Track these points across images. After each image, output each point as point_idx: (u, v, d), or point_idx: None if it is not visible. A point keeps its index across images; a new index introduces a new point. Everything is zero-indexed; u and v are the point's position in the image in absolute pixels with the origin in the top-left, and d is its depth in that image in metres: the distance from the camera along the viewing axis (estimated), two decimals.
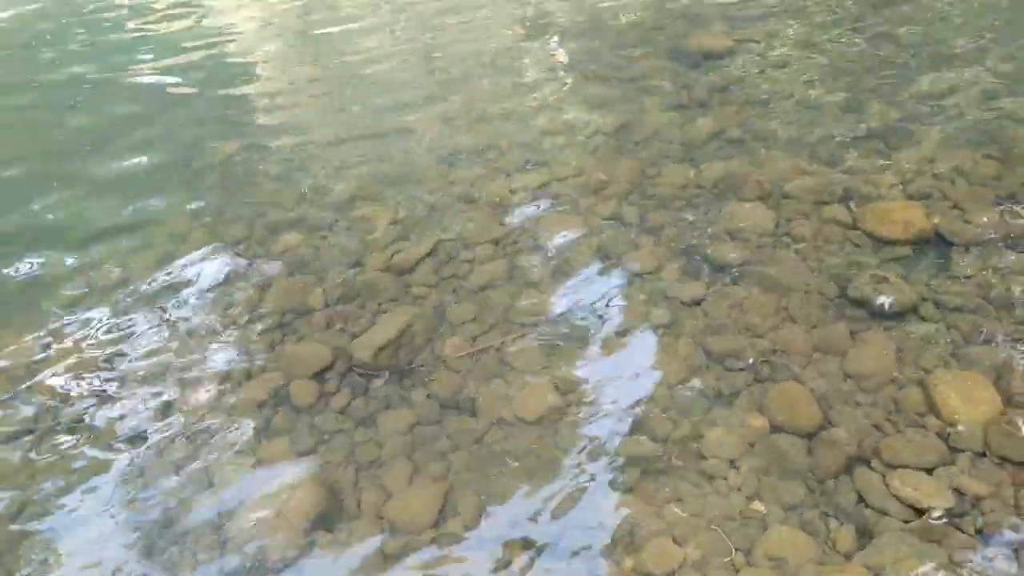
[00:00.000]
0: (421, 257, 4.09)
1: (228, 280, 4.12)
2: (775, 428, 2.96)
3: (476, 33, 6.32)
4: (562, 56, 5.74)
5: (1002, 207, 3.77)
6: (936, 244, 3.66)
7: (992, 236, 3.62)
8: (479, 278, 3.91)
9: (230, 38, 7.29)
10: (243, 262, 4.24)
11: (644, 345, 3.40)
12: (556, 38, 5.99)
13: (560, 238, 4.06)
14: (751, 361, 3.24)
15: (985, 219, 3.70)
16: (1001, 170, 3.99)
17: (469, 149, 4.88)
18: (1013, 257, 3.50)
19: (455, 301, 3.80)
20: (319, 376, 3.47)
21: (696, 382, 3.20)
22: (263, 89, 6.13)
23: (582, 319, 3.59)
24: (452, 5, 6.99)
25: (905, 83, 4.82)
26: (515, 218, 4.25)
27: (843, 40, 5.40)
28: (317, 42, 6.91)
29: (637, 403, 3.14)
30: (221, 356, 3.65)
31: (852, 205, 3.94)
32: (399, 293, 3.91)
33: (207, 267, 4.22)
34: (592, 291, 3.73)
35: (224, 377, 3.54)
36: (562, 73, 5.55)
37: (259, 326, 3.81)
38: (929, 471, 2.70)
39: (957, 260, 3.54)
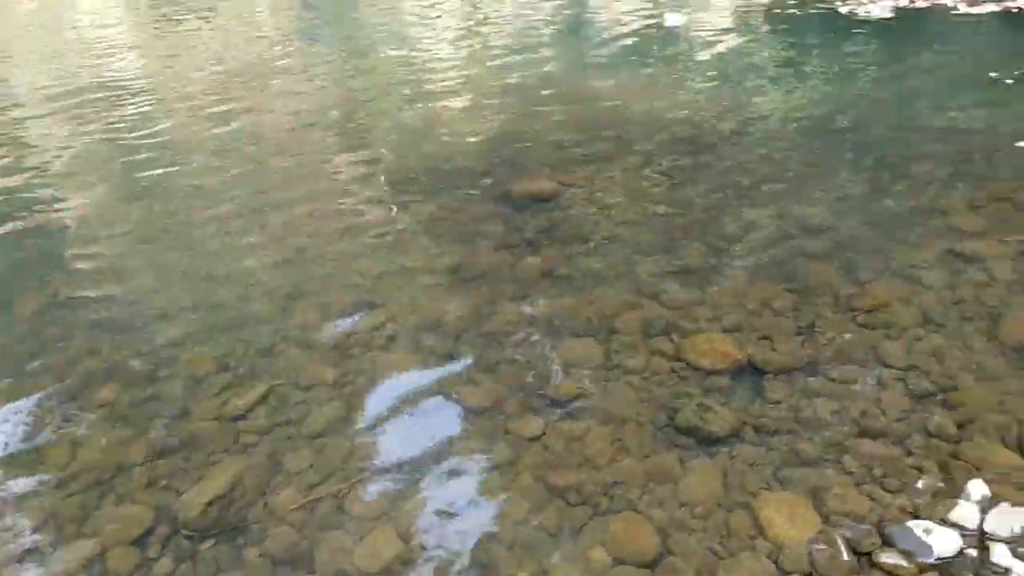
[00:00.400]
0: (253, 404, 3.95)
1: (36, 441, 3.78)
2: (617, 560, 2.99)
3: (311, 177, 6.39)
4: (396, 200, 5.88)
5: (803, 336, 4.14)
6: (750, 373, 3.93)
7: (797, 363, 3.94)
8: (315, 423, 3.81)
9: (58, 189, 6.98)
10: (55, 419, 3.92)
11: (487, 484, 3.39)
12: (391, 182, 6.15)
13: (397, 379, 4.05)
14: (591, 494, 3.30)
15: (790, 348, 4.04)
16: (798, 302, 4.40)
17: (303, 292, 4.83)
18: (815, 381, 3.81)
19: (290, 449, 3.67)
20: (140, 541, 3.21)
21: (539, 519, 3.20)
22: (87, 242, 5.85)
23: (423, 461, 3.55)
24: (284, 148, 7.05)
25: (713, 223, 5.27)
26: (351, 360, 4.21)
27: (657, 183, 5.87)
28: (148, 188, 6.73)
29: (482, 544, 3.10)
30: (27, 527, 3.30)
31: (675, 338, 4.19)
32: (229, 443, 3.74)
33: (11, 427, 3.86)
34: (432, 431, 3.71)
35: (30, 551, 3.19)
36: (396, 216, 5.67)
37: (72, 489, 3.49)
38: None
39: (769, 387, 3.81)
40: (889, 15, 9.90)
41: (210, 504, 3.33)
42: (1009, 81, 7.70)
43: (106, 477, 3.55)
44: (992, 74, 7.86)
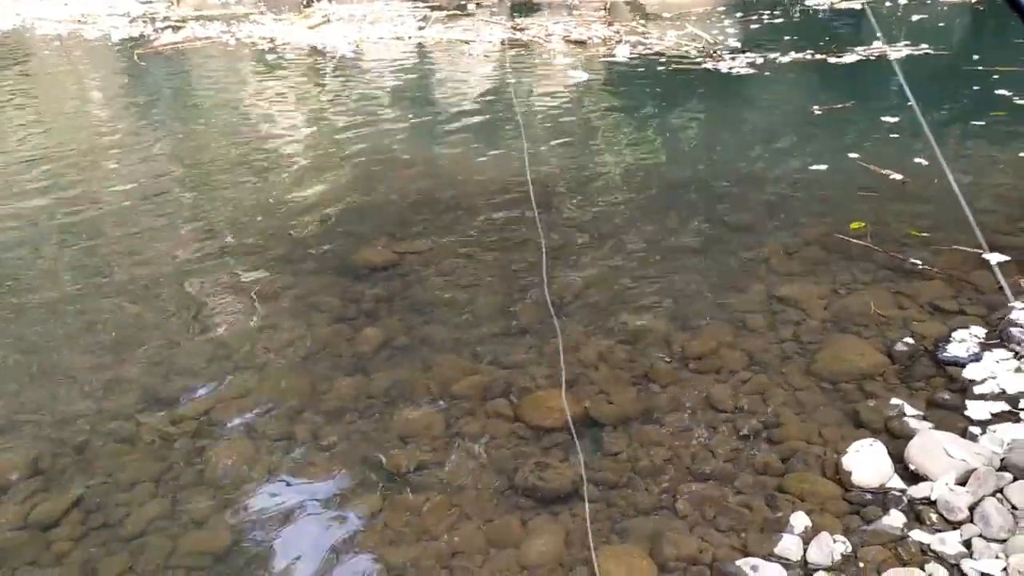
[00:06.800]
0: (66, 508, 3.64)
1: None
2: None
3: (139, 258, 6.05)
4: (226, 278, 5.66)
5: (638, 387, 4.23)
6: (588, 427, 3.97)
7: (633, 414, 4.01)
8: (136, 523, 3.54)
9: None
10: None
11: (324, 568, 3.24)
12: (221, 260, 5.92)
13: (228, 468, 3.83)
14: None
15: (626, 399, 4.11)
16: (632, 353, 4.50)
17: (122, 381, 4.51)
18: (650, 430, 3.89)
19: (106, 553, 3.39)
20: None
21: None
22: None
23: (255, 550, 3.37)
24: (111, 229, 6.69)
25: (549, 282, 5.33)
26: (177, 452, 3.96)
27: (493, 246, 5.90)
28: None
29: None
30: None
31: (513, 399, 4.19)
32: (38, 554, 3.42)
33: None
34: (265, 519, 3.53)
35: None
36: (226, 294, 5.45)
37: None
38: None
39: (607, 439, 3.86)
40: (748, 71, 10.60)
41: None
42: (819, 112, 8.47)
43: None
44: (814, 108, 8.61)
